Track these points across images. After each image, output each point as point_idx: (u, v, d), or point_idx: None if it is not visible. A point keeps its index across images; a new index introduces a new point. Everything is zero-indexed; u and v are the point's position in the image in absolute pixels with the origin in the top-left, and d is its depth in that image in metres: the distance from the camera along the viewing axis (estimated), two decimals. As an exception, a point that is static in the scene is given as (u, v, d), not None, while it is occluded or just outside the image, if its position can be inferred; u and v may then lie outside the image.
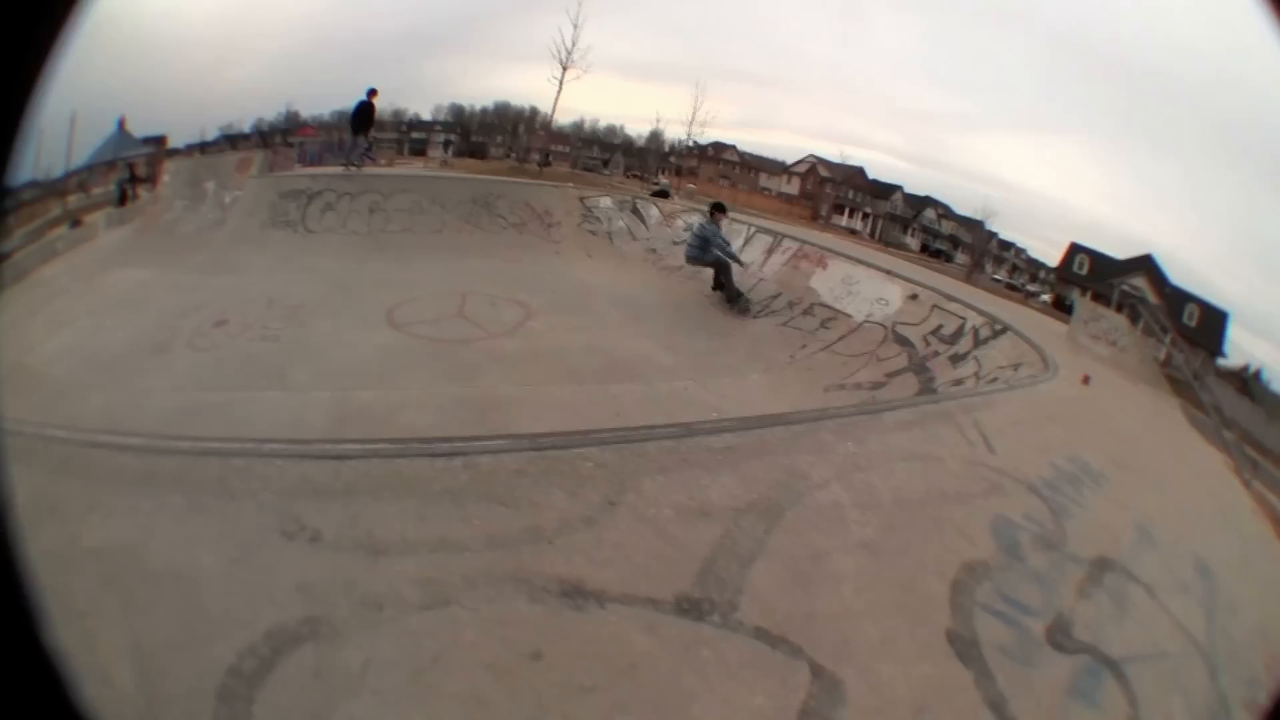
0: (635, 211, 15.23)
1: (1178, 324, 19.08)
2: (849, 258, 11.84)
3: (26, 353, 11.84)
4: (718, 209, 13.01)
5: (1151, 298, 21.23)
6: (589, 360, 8.79)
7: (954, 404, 6.46)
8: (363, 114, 18.76)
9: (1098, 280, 23.10)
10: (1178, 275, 22.39)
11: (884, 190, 36.33)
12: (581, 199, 15.89)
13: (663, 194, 20.09)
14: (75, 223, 28.32)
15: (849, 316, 10.87)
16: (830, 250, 12.15)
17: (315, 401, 7.87)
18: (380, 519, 2.95)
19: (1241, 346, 20.79)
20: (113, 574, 2.68)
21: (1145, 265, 22.68)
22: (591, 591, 2.76)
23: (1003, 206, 29.17)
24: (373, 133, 20.27)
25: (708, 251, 12.44)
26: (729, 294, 12.47)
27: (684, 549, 3.11)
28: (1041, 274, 27.79)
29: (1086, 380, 8.81)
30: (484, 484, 3.28)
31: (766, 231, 12.99)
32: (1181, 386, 12.43)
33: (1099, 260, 24.10)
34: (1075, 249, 25.09)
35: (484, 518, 3.06)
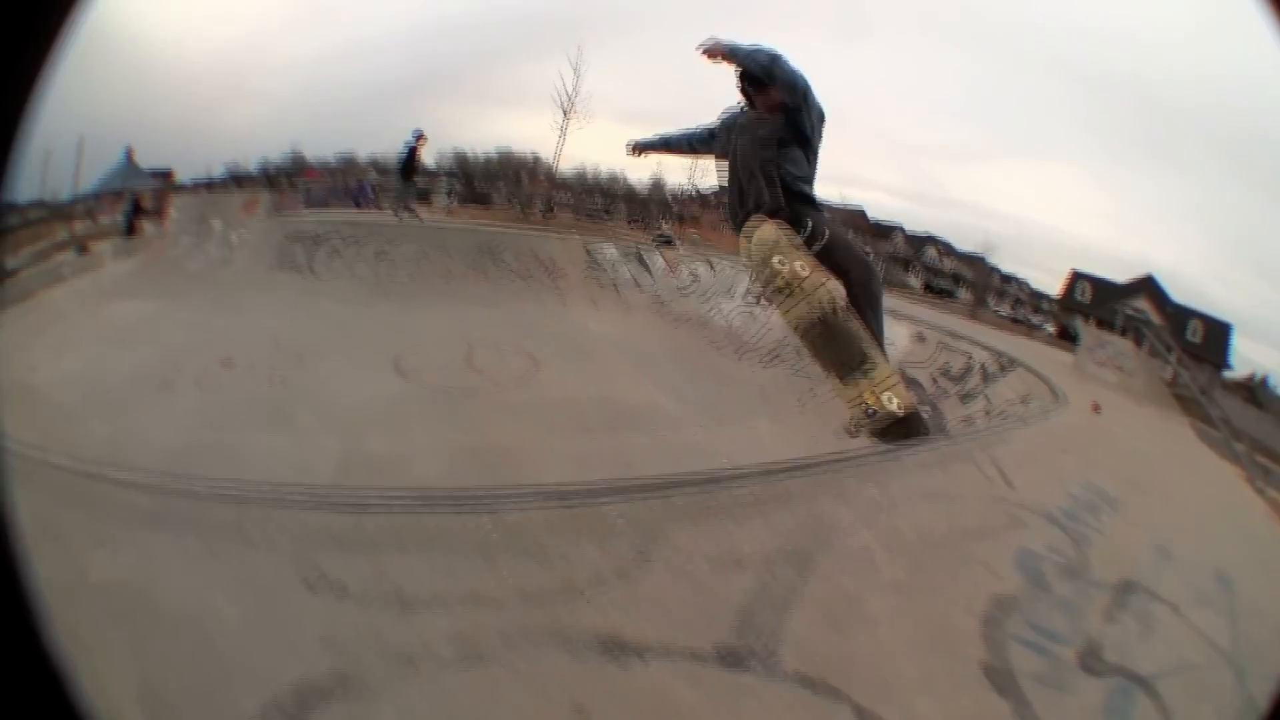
0: (640, 260, 15.29)
1: (1182, 341, 19.15)
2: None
3: (29, 372, 11.93)
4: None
5: (1155, 318, 21.31)
6: (598, 411, 8.81)
7: (971, 442, 6.58)
8: (410, 159, 18.96)
9: (1100, 306, 23.19)
10: (1179, 293, 22.50)
11: (884, 231, 36.31)
12: (586, 248, 15.97)
13: (667, 242, 20.20)
14: (82, 249, 28.72)
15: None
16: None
17: (323, 448, 7.89)
18: (408, 573, 2.91)
19: (1246, 355, 20.85)
20: (122, 612, 2.64)
21: (1147, 286, 22.79)
22: (631, 645, 2.69)
23: (1003, 240, 29.26)
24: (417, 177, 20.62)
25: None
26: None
27: (719, 599, 3.08)
28: (1045, 305, 27.79)
29: (1096, 408, 8.89)
30: (513, 538, 3.24)
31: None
32: (1190, 404, 12.47)
33: (1101, 286, 24.19)
34: (1077, 277, 25.19)
35: (515, 572, 3.00)
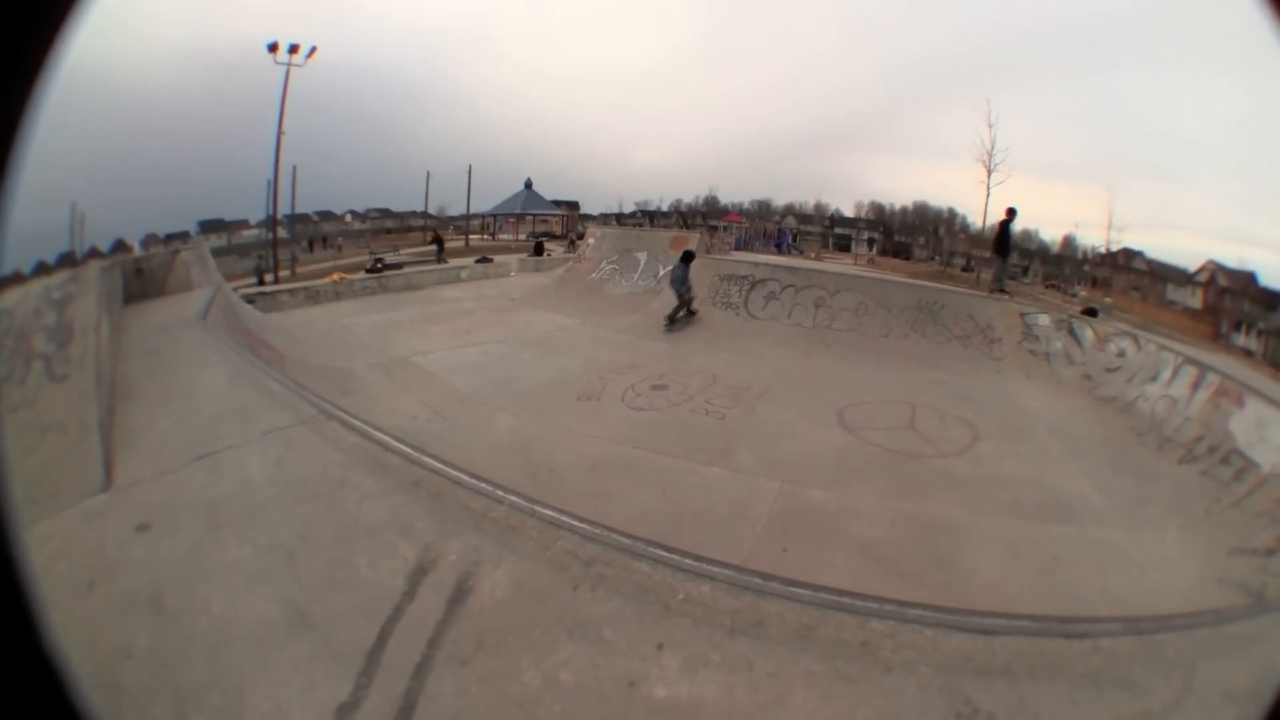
0: (1072, 332, 14.90)
1: None
2: (1265, 397, 10.28)
3: (416, 353, 13.62)
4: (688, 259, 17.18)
5: None
6: (1030, 494, 8.78)
7: None
8: (1003, 235, 18.87)
9: None
10: None
11: (1273, 299, 32.60)
12: (1022, 315, 15.75)
13: (1091, 313, 19.55)
14: (483, 259, 32.94)
15: (1258, 467, 9.25)
16: (1247, 387, 10.64)
17: (762, 489, 8.15)
18: (1043, 702, 2.83)
19: None
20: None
21: None
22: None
23: None
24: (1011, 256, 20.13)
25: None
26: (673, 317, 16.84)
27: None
28: None
29: None
30: (1112, 667, 3.10)
31: (1193, 363, 11.71)
32: None
33: None
34: None
35: (1115, 702, 2.90)
